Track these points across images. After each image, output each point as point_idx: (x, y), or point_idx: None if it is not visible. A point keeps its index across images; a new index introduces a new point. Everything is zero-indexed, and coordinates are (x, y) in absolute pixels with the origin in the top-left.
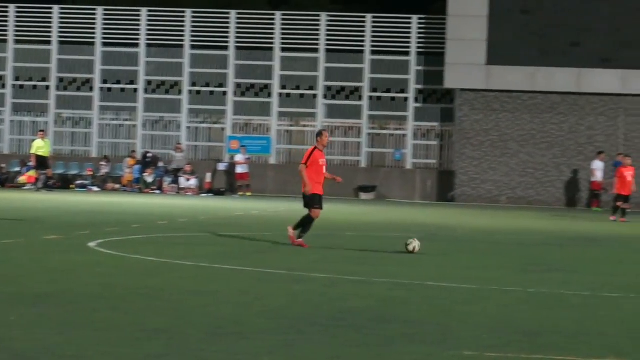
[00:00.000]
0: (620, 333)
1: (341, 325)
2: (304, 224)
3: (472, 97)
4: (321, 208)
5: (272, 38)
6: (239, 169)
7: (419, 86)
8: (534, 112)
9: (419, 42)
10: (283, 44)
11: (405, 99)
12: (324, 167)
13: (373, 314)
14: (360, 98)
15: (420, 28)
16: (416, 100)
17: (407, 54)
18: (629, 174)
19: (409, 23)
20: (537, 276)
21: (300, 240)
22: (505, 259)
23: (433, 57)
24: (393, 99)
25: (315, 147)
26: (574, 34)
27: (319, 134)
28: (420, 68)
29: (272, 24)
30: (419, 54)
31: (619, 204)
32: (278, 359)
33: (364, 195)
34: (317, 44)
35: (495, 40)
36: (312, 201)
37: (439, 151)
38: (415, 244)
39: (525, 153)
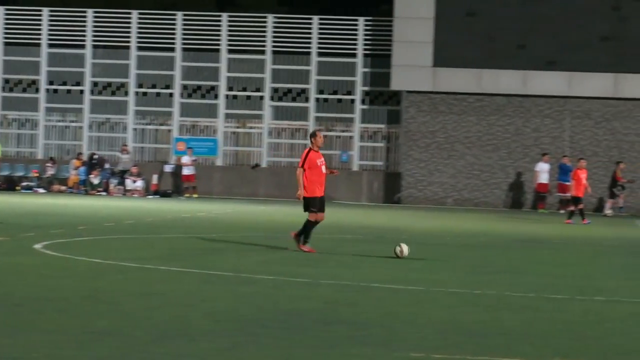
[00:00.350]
0: (565, 334)
1: (287, 327)
2: (306, 230)
3: (418, 99)
4: (321, 210)
5: (218, 39)
6: (186, 171)
7: (366, 88)
8: (480, 114)
9: (365, 44)
10: (230, 45)
11: (352, 100)
12: (324, 167)
13: (319, 316)
14: (307, 100)
15: (366, 30)
16: (363, 102)
17: (353, 55)
18: (584, 176)
19: (356, 25)
20: (483, 278)
21: (306, 246)
22: (452, 260)
23: (379, 59)
24: (340, 100)
25: (310, 149)
26: (520, 36)
27: (313, 134)
28: (366, 70)
29: (219, 25)
30: (365, 55)
31: (580, 206)
32: None
33: None
34: (263, 46)
35: (441, 42)
36: (310, 204)
37: (385, 153)
38: (403, 250)
39: (472, 155)
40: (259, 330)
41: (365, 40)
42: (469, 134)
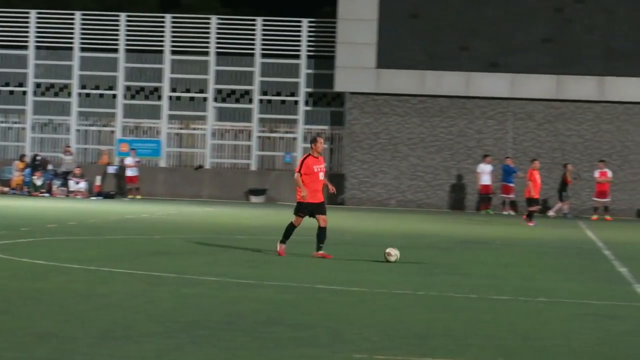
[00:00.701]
0: (508, 335)
1: (231, 328)
2: (286, 231)
3: (362, 101)
4: (321, 214)
5: (162, 41)
6: (129, 172)
7: (309, 89)
8: (423, 116)
9: (309, 46)
10: (173, 46)
11: (296, 102)
12: (321, 174)
13: (263, 317)
14: (250, 101)
15: (310, 31)
16: (306, 103)
17: (297, 57)
18: (538, 177)
19: (299, 26)
20: (427, 279)
21: (281, 246)
22: (395, 262)
23: (323, 60)
24: (283, 102)
25: (309, 155)
26: (463, 38)
27: (314, 140)
28: (310, 71)
29: (162, 26)
30: (309, 57)
31: (535, 208)
32: None
33: (254, 199)
34: (207, 47)
35: (384, 44)
36: (299, 208)
37: (329, 154)
38: (393, 255)
39: (415, 156)
40: (202, 332)
41: (309, 41)
42: (412, 136)
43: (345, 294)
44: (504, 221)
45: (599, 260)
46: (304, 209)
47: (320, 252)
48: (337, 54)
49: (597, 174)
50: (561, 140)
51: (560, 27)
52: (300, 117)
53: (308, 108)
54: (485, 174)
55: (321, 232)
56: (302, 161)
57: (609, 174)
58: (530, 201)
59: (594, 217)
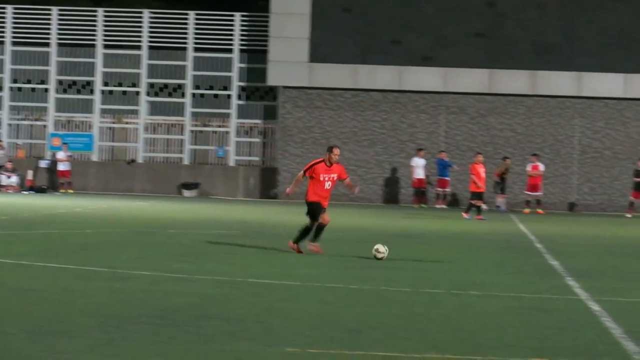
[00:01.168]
0: (440, 329)
1: (163, 323)
2: (303, 233)
3: (294, 95)
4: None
5: (94, 35)
6: (61, 167)
7: (242, 83)
8: (356, 110)
9: (242, 40)
10: (105, 40)
11: (228, 96)
12: (327, 184)
13: (195, 312)
14: (183, 95)
15: (243, 25)
16: (239, 97)
17: (230, 51)
18: (482, 170)
19: (232, 20)
20: (359, 273)
21: (295, 245)
22: (328, 256)
23: (256, 54)
24: (216, 96)
25: (322, 161)
26: (396, 32)
27: (329, 149)
28: (243, 65)
29: (95, 20)
30: (242, 51)
31: (474, 202)
32: (100, 357)
33: (187, 193)
34: (139, 41)
35: (317, 38)
36: (311, 210)
37: (262, 148)
38: (381, 251)
39: (348, 150)
40: (134, 326)
41: (242, 36)
42: (345, 130)
43: (278, 287)
44: (438, 215)
45: (531, 253)
46: (313, 212)
47: (314, 247)
48: (270, 48)
49: (529, 167)
50: (493, 134)
51: (493, 21)
52: (233, 111)
53: (241, 102)
54: (419, 167)
55: (321, 229)
56: (313, 164)
57: (541, 167)
58: (475, 195)
59: (526, 210)
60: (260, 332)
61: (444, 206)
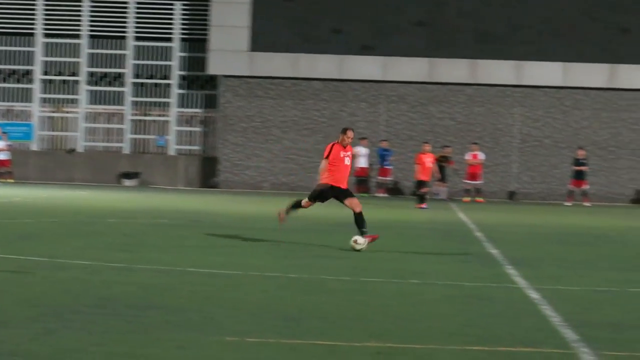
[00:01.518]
0: (380, 317)
1: (103, 312)
2: (295, 205)
3: (235, 84)
4: (351, 196)
5: (33, 23)
6: (1, 156)
7: (183, 72)
8: (296, 99)
9: (182, 29)
10: (45, 29)
11: (169, 85)
12: (347, 159)
13: (134, 301)
14: (123, 84)
15: (184, 14)
16: (180, 86)
17: (170, 40)
18: (428, 160)
19: (172, 9)
20: (298, 262)
21: (367, 235)
22: (268, 245)
23: (196, 43)
24: (156, 85)
25: (337, 142)
26: (336, 21)
27: (343, 131)
28: (183, 54)
29: (34, 9)
30: (182, 40)
31: (422, 190)
32: (39, 346)
33: (127, 182)
34: (79, 30)
35: (258, 26)
36: (316, 194)
37: (202, 137)
38: (360, 242)
39: (288, 139)
40: (73, 316)
41: (183, 24)
42: (285, 119)
43: (217, 277)
44: (378, 203)
45: (470, 242)
46: (324, 196)
47: (366, 236)
48: (211, 37)
49: (469, 156)
50: (434, 122)
51: (433, 10)
52: (173, 100)
53: (181, 91)
54: (361, 156)
55: (358, 217)
56: (331, 147)
57: (481, 156)
58: (420, 184)
59: (466, 199)
60: (200, 322)
61: (385, 195)
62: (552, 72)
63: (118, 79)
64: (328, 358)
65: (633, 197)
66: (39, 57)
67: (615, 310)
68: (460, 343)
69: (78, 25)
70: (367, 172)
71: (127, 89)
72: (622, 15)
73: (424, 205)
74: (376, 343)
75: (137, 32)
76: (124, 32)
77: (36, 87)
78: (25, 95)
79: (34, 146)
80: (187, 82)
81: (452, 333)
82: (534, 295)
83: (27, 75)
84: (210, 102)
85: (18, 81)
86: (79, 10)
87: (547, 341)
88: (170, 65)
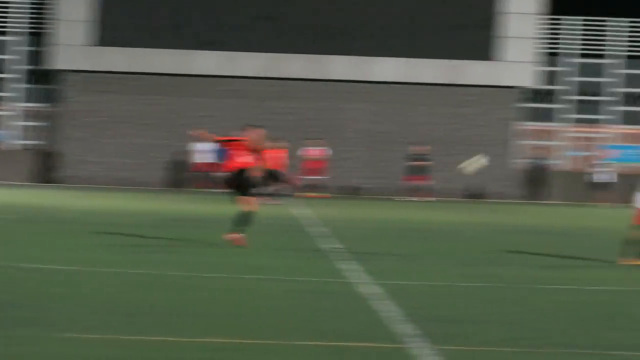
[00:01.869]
0: (219, 312)
1: None
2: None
3: (77, 78)
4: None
5: None
6: None
7: (25, 67)
8: (138, 93)
9: (28, 23)
10: None
11: (11, 79)
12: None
13: None
14: None
15: (32, 8)
16: (22, 80)
17: (14, 34)
18: (283, 155)
19: (20, 2)
20: (138, 257)
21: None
22: (107, 240)
23: (39, 37)
24: (1, 79)
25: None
26: (180, 16)
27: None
28: (26, 48)
29: None
30: (28, 34)
31: (274, 187)
32: None
33: None
34: None
35: (100, 21)
36: None
37: (44, 132)
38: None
39: (130, 134)
40: None
41: (31, 19)
42: (128, 114)
43: (55, 272)
44: (218, 199)
45: (311, 237)
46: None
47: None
48: (54, 31)
49: (309, 151)
50: (275, 118)
51: (278, 4)
52: (16, 95)
53: (24, 85)
54: (203, 152)
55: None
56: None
57: (323, 151)
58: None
59: (308, 194)
60: (35, 318)
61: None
62: (394, 67)
63: None
64: (168, 354)
65: (470, 192)
66: None
67: (454, 304)
68: (300, 338)
69: None
70: (208, 168)
71: None
72: (460, 11)
73: (277, 202)
74: (215, 339)
75: None
76: None
77: None
78: None
79: None
80: (31, 76)
81: (292, 328)
82: (376, 290)
83: None
84: (53, 97)
85: None
86: None
87: (385, 336)
88: (13, 59)
